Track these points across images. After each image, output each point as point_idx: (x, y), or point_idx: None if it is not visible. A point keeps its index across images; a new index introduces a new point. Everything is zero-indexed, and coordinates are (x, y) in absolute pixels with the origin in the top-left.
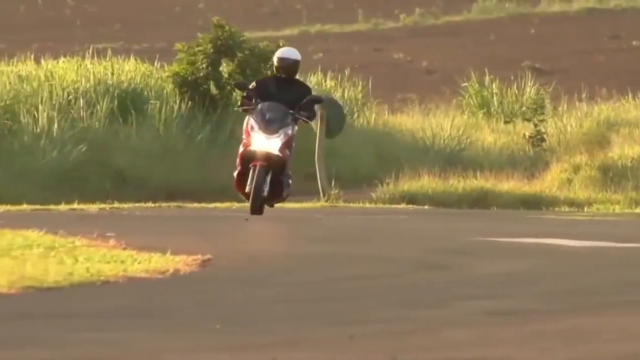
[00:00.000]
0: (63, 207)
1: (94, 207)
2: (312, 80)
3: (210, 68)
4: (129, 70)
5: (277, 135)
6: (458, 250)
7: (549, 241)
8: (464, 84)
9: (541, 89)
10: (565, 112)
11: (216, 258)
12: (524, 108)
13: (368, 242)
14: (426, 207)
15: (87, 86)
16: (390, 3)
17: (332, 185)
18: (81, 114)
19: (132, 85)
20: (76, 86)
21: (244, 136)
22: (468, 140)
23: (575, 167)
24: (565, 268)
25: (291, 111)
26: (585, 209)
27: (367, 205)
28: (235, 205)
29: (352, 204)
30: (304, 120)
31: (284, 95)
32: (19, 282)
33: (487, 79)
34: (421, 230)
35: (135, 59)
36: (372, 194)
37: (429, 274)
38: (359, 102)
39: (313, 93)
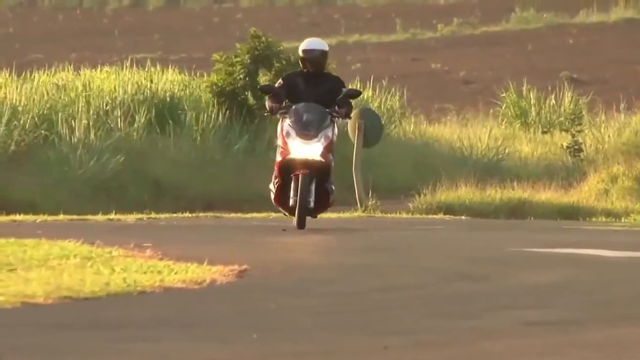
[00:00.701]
0: (100, 217)
1: (131, 217)
2: None
3: (247, 78)
4: (166, 80)
5: (317, 139)
6: (495, 261)
7: (586, 251)
8: (502, 94)
9: (579, 100)
10: (603, 122)
11: (253, 268)
12: (561, 118)
13: (405, 252)
14: (463, 217)
15: (125, 96)
16: (428, 13)
17: (369, 195)
18: (119, 124)
19: (170, 95)
20: (114, 96)
21: (279, 143)
22: (506, 151)
23: (613, 177)
24: (603, 278)
25: (327, 110)
26: (623, 219)
27: (404, 215)
28: (272, 215)
29: (389, 214)
30: (342, 117)
31: (314, 91)
32: (56, 292)
33: (524, 89)
34: (458, 240)
35: (173, 69)
36: (409, 204)
37: (466, 284)
38: (397, 112)
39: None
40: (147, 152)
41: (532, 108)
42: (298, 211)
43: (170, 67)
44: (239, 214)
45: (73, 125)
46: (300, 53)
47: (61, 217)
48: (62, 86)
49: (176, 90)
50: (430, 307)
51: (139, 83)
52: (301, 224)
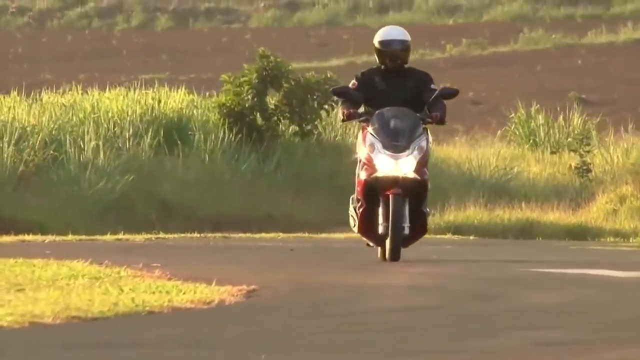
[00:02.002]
0: (108, 237)
1: (139, 237)
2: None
3: (255, 99)
4: (174, 100)
5: (409, 151)
6: (505, 281)
7: (595, 272)
8: (511, 115)
9: (588, 120)
10: (612, 142)
11: (261, 288)
12: (570, 139)
13: (415, 272)
14: (472, 237)
15: (133, 116)
16: (436, 34)
17: None
18: (127, 145)
19: (178, 115)
20: (122, 116)
21: (361, 157)
22: (515, 171)
23: (621, 197)
24: (613, 298)
25: (418, 114)
26: (631, 239)
27: None
28: (281, 235)
29: None
30: (436, 123)
31: (397, 92)
32: (64, 312)
33: (533, 109)
34: (467, 260)
35: (182, 90)
36: None
37: (476, 304)
38: None
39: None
40: (156, 172)
41: (541, 128)
42: (391, 240)
43: (178, 87)
44: (247, 234)
45: (82, 145)
46: (377, 45)
47: (70, 237)
48: (70, 107)
49: (185, 111)
50: (441, 327)
51: (147, 104)
52: (395, 255)
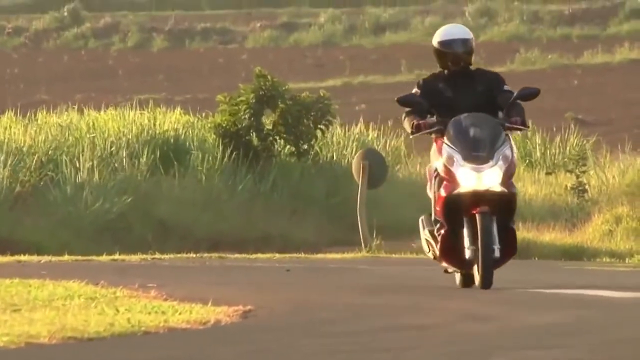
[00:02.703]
0: (104, 257)
1: (135, 258)
2: (355, 131)
3: (252, 119)
4: (170, 120)
5: (493, 162)
6: (501, 301)
7: (592, 292)
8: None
9: (583, 141)
10: (608, 163)
11: (257, 309)
12: (566, 159)
13: (411, 292)
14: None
15: (130, 137)
16: (433, 54)
17: (374, 235)
18: (123, 165)
19: (175, 135)
20: (118, 137)
21: (438, 168)
22: None
23: (617, 218)
24: (609, 319)
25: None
26: (627, 260)
27: (409, 255)
28: (277, 255)
29: (393, 255)
30: (517, 128)
31: (467, 97)
32: (60, 333)
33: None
34: None
35: (178, 110)
36: (412, 244)
37: (473, 324)
38: (402, 153)
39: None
40: (152, 192)
41: (537, 149)
42: (482, 265)
43: (174, 107)
44: (243, 255)
45: (78, 165)
46: (436, 45)
47: (66, 257)
48: (66, 127)
49: (181, 131)
50: (437, 347)
51: (144, 124)
52: (487, 282)
